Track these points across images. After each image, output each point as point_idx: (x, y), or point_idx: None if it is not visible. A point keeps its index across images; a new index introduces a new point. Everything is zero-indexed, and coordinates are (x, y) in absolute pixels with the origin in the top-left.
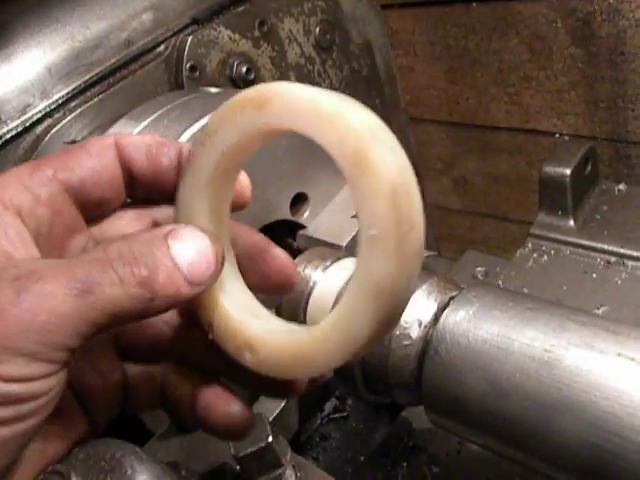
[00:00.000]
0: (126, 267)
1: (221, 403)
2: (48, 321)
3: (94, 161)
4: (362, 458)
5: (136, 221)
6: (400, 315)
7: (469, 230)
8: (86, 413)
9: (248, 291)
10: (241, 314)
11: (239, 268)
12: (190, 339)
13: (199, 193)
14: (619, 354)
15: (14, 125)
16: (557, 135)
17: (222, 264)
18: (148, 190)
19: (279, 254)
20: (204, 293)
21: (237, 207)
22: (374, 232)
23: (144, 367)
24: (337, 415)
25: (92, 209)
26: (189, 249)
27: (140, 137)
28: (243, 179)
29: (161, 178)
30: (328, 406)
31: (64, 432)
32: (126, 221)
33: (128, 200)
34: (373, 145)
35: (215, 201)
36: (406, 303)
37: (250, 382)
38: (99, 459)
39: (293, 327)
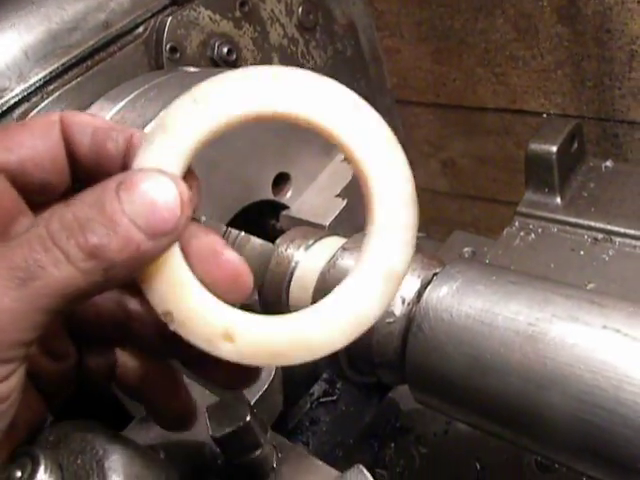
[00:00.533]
0: (70, 239)
1: (167, 393)
2: None
3: (36, 140)
4: (351, 441)
5: None
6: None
7: (458, 212)
8: (41, 394)
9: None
10: (208, 299)
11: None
12: (141, 321)
13: None
14: (604, 326)
15: None
16: (544, 115)
17: (189, 209)
18: (91, 176)
19: (233, 258)
20: (156, 276)
21: None
22: (395, 223)
23: (98, 347)
24: (326, 399)
25: (34, 193)
26: (144, 195)
27: (89, 117)
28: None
29: (105, 164)
30: (317, 390)
31: (24, 416)
32: None
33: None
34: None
35: None
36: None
37: (209, 372)
38: (70, 440)
39: (273, 316)
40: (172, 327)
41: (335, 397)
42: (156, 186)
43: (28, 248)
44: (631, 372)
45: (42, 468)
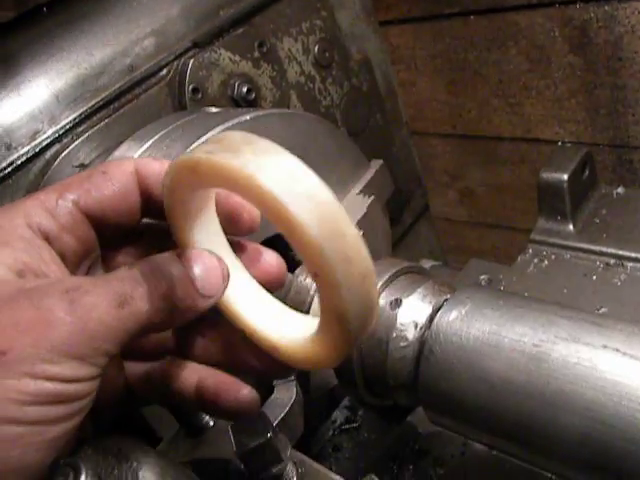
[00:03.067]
0: (151, 283)
1: (232, 389)
2: (96, 329)
3: (115, 188)
4: (370, 465)
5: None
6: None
7: (477, 241)
8: (91, 414)
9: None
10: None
11: None
12: (190, 335)
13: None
14: (605, 346)
15: (24, 151)
16: (559, 143)
17: (228, 277)
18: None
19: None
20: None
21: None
22: (317, 276)
23: (144, 365)
24: (348, 426)
25: (107, 231)
26: (200, 267)
27: (159, 165)
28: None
29: None
30: (339, 417)
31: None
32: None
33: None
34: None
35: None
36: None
37: (249, 367)
38: (107, 452)
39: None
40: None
41: (357, 424)
42: (209, 260)
43: (122, 282)
44: (630, 389)
45: (83, 477)
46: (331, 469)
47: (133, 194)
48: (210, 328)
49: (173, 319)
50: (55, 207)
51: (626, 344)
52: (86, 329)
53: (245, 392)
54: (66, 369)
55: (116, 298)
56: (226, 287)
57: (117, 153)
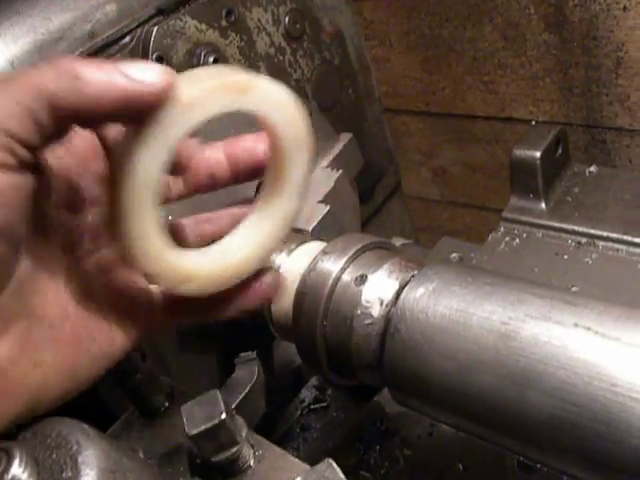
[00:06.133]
0: (64, 64)
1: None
2: None
3: None
4: (337, 444)
5: None
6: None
7: (449, 220)
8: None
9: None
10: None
11: None
12: None
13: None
14: (576, 324)
15: None
16: (533, 122)
17: (171, 81)
18: None
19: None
20: (142, 246)
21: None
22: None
23: None
24: (317, 405)
25: None
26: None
27: None
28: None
29: None
30: (308, 396)
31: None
32: None
33: None
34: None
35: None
36: None
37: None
38: (45, 436)
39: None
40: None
41: (326, 403)
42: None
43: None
44: (601, 369)
45: (17, 461)
46: (299, 449)
47: None
48: None
49: (81, 93)
50: None
51: (597, 323)
52: None
53: None
54: None
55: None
56: (166, 88)
57: None
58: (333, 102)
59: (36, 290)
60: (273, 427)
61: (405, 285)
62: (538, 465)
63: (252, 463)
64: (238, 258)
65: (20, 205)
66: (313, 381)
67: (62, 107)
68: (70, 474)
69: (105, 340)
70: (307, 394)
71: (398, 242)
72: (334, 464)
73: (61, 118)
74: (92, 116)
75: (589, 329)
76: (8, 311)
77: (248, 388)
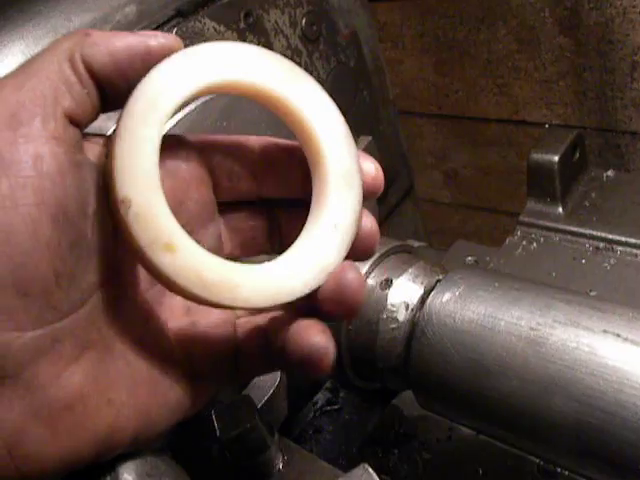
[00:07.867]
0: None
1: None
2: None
3: None
4: (354, 449)
5: None
6: None
7: (461, 223)
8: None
9: None
10: (166, 207)
11: None
12: None
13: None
14: (605, 330)
15: None
16: (546, 125)
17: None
18: None
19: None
20: (129, 160)
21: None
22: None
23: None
24: (330, 408)
25: None
26: None
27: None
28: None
29: None
30: (320, 399)
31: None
32: None
33: None
34: None
35: None
36: None
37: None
38: None
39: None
40: (124, 216)
41: (338, 406)
42: None
43: None
44: (631, 375)
45: None
46: (312, 451)
47: None
48: None
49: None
50: None
51: (627, 329)
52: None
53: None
54: None
55: None
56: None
57: (96, 124)
58: (348, 104)
59: (114, 321)
60: (287, 430)
61: (431, 290)
62: (558, 470)
63: (281, 467)
64: None
65: (87, 189)
66: (326, 383)
67: (85, 62)
68: (109, 479)
69: (183, 389)
70: (320, 396)
71: (413, 245)
72: (370, 469)
73: (91, 77)
74: (109, 70)
75: (618, 335)
76: (83, 333)
77: (271, 392)
